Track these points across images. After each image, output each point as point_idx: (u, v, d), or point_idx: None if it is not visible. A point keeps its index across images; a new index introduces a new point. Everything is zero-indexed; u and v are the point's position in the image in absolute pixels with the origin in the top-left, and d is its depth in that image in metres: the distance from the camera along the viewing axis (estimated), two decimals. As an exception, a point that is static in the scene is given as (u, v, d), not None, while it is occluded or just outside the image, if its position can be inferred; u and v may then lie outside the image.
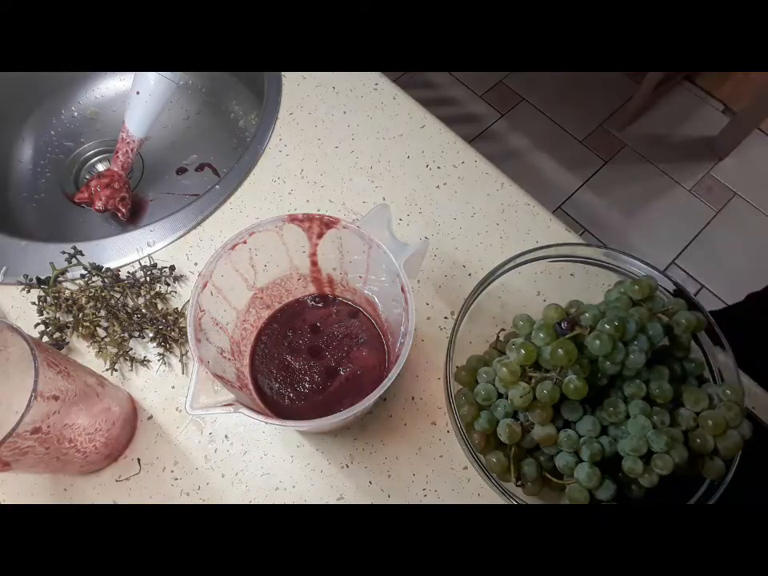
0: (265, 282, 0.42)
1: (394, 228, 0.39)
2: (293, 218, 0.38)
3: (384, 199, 0.54)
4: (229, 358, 0.40)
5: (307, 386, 0.42)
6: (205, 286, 0.36)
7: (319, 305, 0.46)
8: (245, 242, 0.38)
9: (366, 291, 0.43)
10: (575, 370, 0.34)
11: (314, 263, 0.43)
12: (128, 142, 0.61)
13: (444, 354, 0.40)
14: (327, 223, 0.38)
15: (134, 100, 0.59)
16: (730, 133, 1.52)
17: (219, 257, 0.37)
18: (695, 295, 1.12)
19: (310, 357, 0.43)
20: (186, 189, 0.69)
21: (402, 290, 0.36)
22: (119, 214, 0.61)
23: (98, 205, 0.60)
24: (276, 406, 0.41)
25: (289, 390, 0.42)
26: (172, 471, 0.44)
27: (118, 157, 0.61)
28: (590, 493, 0.36)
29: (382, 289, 0.41)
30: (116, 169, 0.61)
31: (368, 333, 0.44)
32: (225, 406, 0.32)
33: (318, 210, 0.53)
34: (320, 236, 0.40)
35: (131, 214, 0.63)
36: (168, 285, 0.50)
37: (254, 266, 0.40)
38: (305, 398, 0.42)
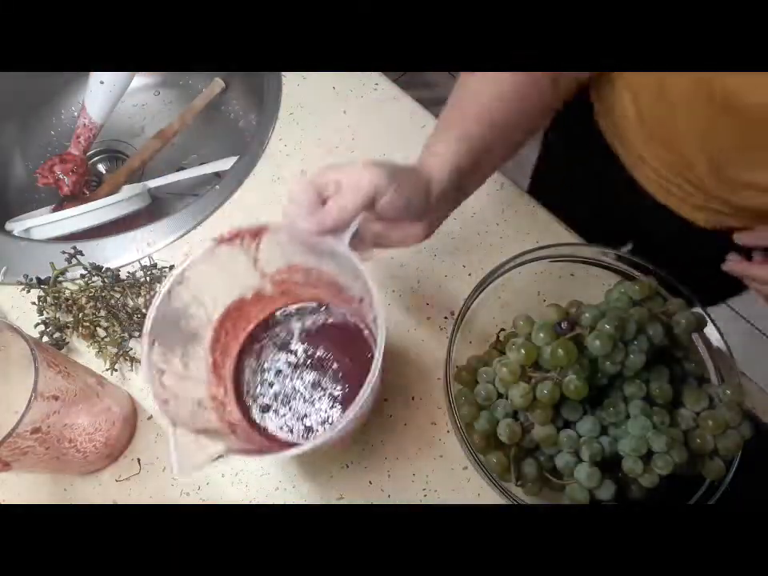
0: (220, 315, 0.40)
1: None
2: (221, 240, 0.36)
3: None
4: (209, 407, 0.38)
5: (304, 406, 0.42)
6: (153, 343, 0.34)
7: (288, 316, 0.44)
8: (180, 283, 0.36)
9: (328, 282, 0.41)
10: (575, 369, 0.34)
11: (264, 276, 0.41)
12: (90, 128, 0.62)
13: (444, 354, 0.40)
14: (257, 232, 0.37)
15: (97, 88, 0.60)
16: (730, 133, 1.52)
17: (158, 306, 0.34)
18: (695, 295, 1.12)
19: (296, 375, 0.43)
20: (186, 189, 0.69)
21: (355, 267, 0.34)
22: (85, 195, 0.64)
23: (66, 190, 0.62)
24: (275, 435, 0.41)
25: (284, 417, 0.41)
26: (172, 471, 0.44)
27: (79, 141, 0.63)
28: (590, 493, 0.36)
29: (344, 276, 0.39)
30: (77, 153, 0.62)
31: (347, 327, 0.43)
32: (215, 459, 0.30)
33: (318, 210, 0.53)
34: (258, 249, 0.38)
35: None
36: (168, 285, 0.50)
37: (203, 303, 0.38)
38: (303, 419, 0.41)
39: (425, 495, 0.43)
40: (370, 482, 0.43)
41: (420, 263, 0.51)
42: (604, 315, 0.35)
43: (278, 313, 0.45)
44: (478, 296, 0.42)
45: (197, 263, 0.36)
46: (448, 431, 0.44)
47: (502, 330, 0.43)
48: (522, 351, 0.36)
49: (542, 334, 0.35)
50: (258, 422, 0.41)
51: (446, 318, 0.49)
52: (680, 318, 0.37)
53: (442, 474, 0.43)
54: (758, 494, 0.38)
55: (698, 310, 0.39)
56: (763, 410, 0.43)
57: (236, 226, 0.36)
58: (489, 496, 0.42)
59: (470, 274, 0.50)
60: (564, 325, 0.35)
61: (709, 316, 0.39)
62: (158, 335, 0.34)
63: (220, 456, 0.31)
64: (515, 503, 0.36)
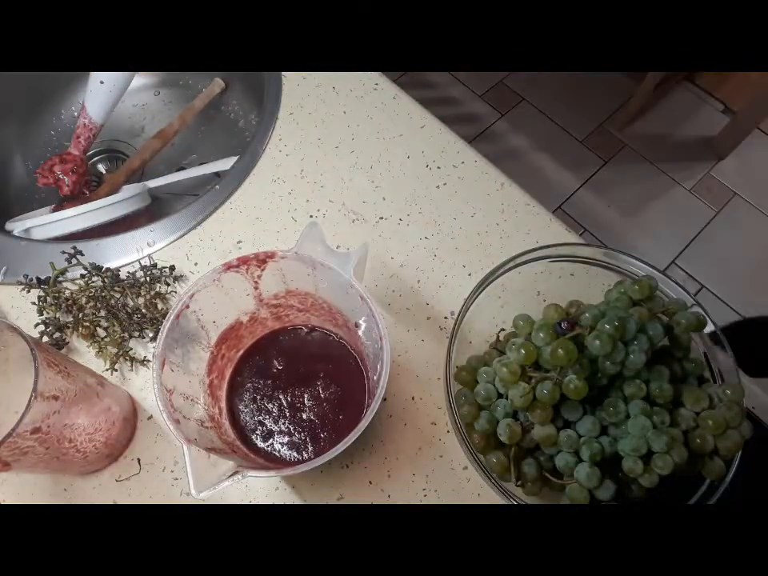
0: (217, 338, 0.42)
1: (339, 241, 0.39)
2: (228, 266, 0.38)
3: (384, 199, 0.54)
4: (209, 427, 0.39)
5: (296, 426, 0.42)
6: (163, 364, 0.35)
7: (280, 340, 0.45)
8: (188, 307, 0.37)
9: (323, 308, 0.43)
10: (575, 370, 0.34)
11: (261, 301, 0.42)
12: (90, 128, 0.63)
13: (444, 353, 0.40)
14: (264, 259, 0.38)
15: (97, 88, 0.60)
16: (730, 133, 1.52)
17: (169, 329, 0.36)
18: (695, 295, 1.12)
19: (287, 397, 0.43)
20: (186, 189, 0.69)
21: (361, 297, 0.36)
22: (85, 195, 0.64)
23: (66, 190, 0.62)
24: (272, 455, 0.42)
25: (278, 438, 0.42)
26: (172, 471, 0.44)
27: (79, 141, 0.63)
28: (590, 493, 0.36)
29: (341, 302, 0.41)
30: (77, 153, 0.63)
31: (339, 351, 0.44)
32: (231, 476, 0.31)
33: (318, 210, 0.53)
34: (260, 276, 0.39)
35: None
36: (168, 285, 0.50)
37: (204, 326, 0.40)
38: (296, 438, 0.42)
39: (425, 495, 0.43)
40: (370, 482, 0.43)
41: (420, 263, 0.51)
42: (604, 315, 0.35)
43: (270, 336, 0.45)
44: (477, 296, 0.42)
45: (203, 288, 0.37)
46: (448, 431, 0.44)
47: (502, 329, 0.43)
48: (522, 351, 0.36)
49: (541, 334, 0.35)
50: (253, 441, 0.42)
51: (445, 318, 0.49)
52: (680, 318, 0.37)
53: (441, 473, 0.43)
54: (758, 494, 0.38)
55: (698, 309, 0.39)
56: (763, 410, 0.44)
57: (244, 254, 0.38)
58: (489, 496, 0.43)
59: (470, 274, 0.50)
60: (564, 325, 0.35)
61: (709, 316, 0.39)
62: (167, 357, 0.36)
63: (235, 473, 0.31)
64: (515, 503, 0.36)
